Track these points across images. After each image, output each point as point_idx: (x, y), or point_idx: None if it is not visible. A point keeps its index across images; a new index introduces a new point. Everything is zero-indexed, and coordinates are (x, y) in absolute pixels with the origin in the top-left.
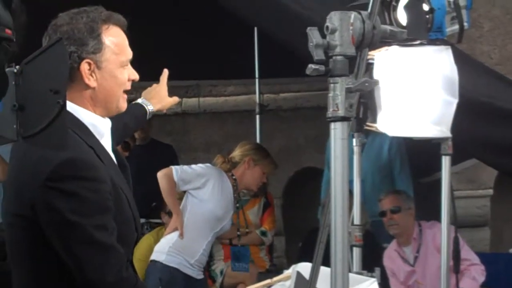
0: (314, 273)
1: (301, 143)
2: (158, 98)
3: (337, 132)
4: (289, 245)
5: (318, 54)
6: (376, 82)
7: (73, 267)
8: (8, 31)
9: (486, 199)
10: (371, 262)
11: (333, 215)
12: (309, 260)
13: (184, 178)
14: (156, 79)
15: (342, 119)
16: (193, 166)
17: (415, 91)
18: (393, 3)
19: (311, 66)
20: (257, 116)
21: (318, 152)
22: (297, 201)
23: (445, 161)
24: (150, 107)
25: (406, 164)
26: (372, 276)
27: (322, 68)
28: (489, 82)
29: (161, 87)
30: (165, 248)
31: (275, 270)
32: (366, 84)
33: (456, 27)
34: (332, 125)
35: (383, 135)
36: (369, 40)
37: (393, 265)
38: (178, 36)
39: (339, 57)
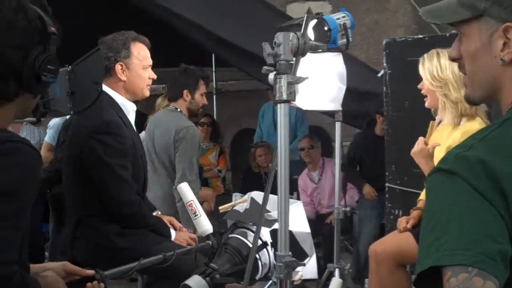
0: (265, 199)
1: (241, 113)
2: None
3: (281, 110)
4: (234, 177)
5: (269, 60)
6: (306, 78)
7: (102, 191)
8: (53, 28)
9: None
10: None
11: (279, 160)
12: (248, 187)
13: None
14: None
15: (285, 101)
16: None
17: (320, 81)
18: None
19: (265, 67)
20: (214, 96)
21: (252, 118)
22: (239, 149)
23: (338, 126)
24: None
25: (306, 127)
26: (291, 198)
27: (272, 69)
28: (362, 72)
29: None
30: None
31: (227, 193)
32: (300, 79)
33: (344, 40)
34: (279, 105)
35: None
36: (302, 51)
37: (304, 184)
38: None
39: (283, 62)
